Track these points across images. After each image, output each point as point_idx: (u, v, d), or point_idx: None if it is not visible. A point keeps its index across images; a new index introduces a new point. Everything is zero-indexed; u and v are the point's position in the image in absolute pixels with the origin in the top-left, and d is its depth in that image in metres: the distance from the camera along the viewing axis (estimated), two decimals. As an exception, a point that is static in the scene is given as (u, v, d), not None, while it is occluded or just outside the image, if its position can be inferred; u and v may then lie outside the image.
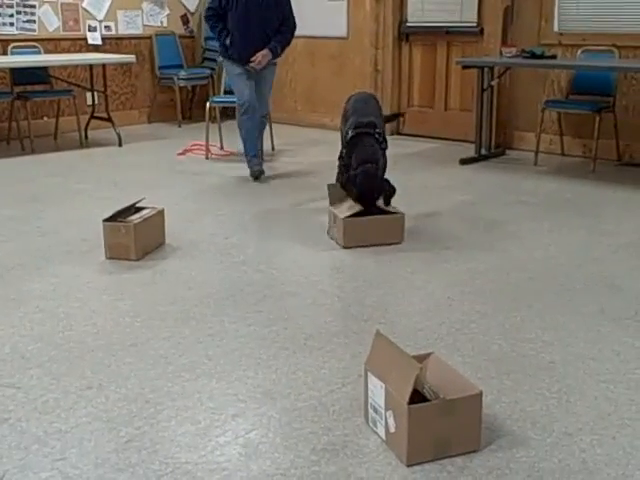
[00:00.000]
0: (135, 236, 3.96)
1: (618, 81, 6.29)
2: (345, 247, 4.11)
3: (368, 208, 4.18)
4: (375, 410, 2.32)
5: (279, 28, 5.72)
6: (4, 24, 7.53)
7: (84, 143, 7.41)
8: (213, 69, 8.50)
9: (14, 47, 7.48)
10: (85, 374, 2.76)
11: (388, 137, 4.54)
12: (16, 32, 7.61)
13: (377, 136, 4.30)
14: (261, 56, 5.64)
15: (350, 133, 4.32)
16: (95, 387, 2.66)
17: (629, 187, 5.62)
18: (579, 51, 6.50)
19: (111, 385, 2.67)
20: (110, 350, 2.95)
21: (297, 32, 5.87)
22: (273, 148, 6.97)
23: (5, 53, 7.46)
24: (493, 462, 2.21)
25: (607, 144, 6.32)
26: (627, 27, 6.31)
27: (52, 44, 7.86)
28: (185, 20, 8.87)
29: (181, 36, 8.79)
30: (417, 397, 2.20)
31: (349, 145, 4.31)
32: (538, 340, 3.03)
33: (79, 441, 2.32)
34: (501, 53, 6.55)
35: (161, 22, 8.70)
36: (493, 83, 6.66)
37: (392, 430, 2.24)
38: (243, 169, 5.93)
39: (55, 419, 2.45)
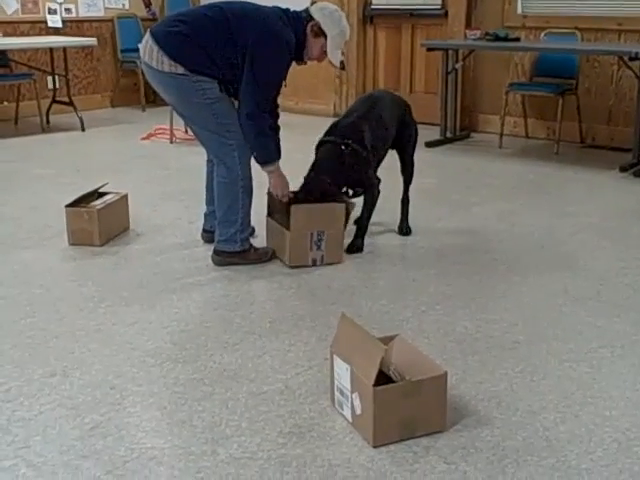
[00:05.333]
0: (99, 221, 3.92)
1: (580, 63, 6.34)
2: (291, 267, 3.62)
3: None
4: (341, 392, 2.33)
5: None
6: (-39, 6, 7.37)
7: (45, 128, 7.29)
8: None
9: (-28, 30, 7.34)
10: (49, 361, 2.72)
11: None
12: (-27, 15, 7.46)
13: (343, 147, 3.83)
14: None
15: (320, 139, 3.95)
16: (59, 374, 2.63)
17: (592, 169, 5.68)
18: (542, 34, 6.53)
19: (75, 372, 2.65)
20: (74, 336, 2.92)
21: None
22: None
23: (-38, 36, 7.32)
24: (458, 442, 2.23)
25: (570, 126, 6.38)
26: (589, 10, 6.36)
27: (11, 27, 7.70)
28: (147, 2, 8.73)
29: (143, 19, 8.65)
30: (383, 379, 2.21)
31: (316, 150, 3.93)
32: (502, 321, 3.06)
33: (43, 428, 2.30)
34: (465, 36, 6.56)
35: (122, 4, 8.57)
36: (457, 66, 6.67)
37: (358, 412, 2.25)
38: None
39: (18, 407, 2.42)
